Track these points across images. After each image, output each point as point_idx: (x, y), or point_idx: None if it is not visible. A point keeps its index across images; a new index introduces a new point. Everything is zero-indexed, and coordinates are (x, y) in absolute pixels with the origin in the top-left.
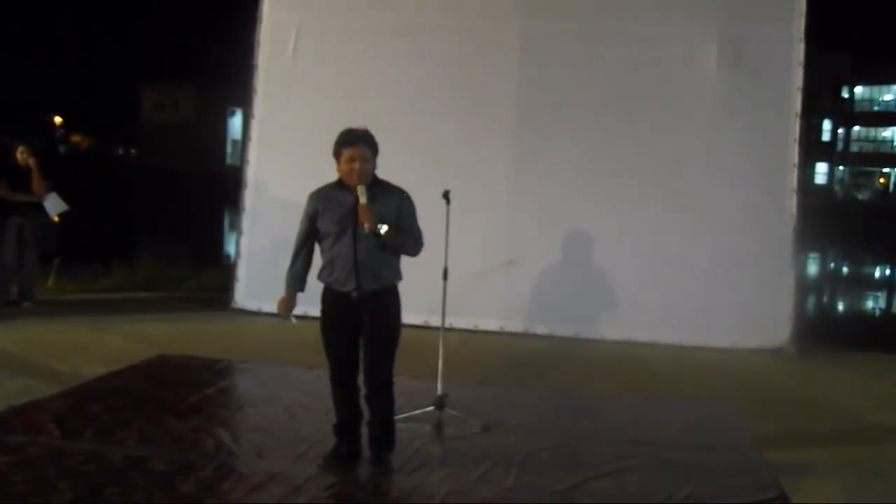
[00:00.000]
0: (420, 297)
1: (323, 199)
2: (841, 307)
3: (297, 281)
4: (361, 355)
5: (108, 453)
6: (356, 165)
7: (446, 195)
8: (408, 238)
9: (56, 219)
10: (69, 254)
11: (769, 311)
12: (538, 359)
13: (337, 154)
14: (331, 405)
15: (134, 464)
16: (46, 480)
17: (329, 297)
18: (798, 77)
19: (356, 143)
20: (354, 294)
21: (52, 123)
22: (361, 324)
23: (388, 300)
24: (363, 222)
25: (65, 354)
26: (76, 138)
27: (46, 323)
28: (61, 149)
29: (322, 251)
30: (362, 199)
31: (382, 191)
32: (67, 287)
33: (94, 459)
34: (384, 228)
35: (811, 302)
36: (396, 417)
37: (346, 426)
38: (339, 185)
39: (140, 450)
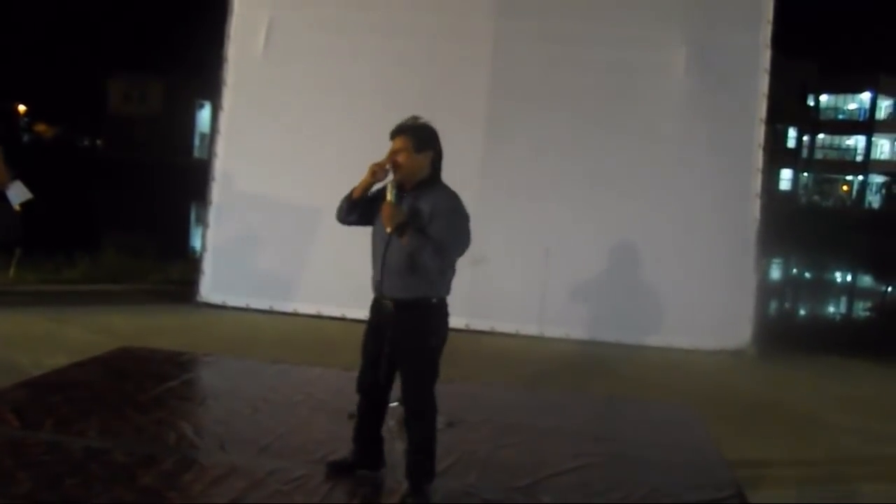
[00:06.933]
0: None
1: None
2: (802, 311)
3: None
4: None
5: (68, 444)
6: (395, 157)
7: None
8: (426, 245)
9: (18, 208)
10: (32, 244)
11: (731, 313)
12: (502, 356)
13: None
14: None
15: (94, 455)
16: (4, 471)
17: (372, 300)
18: (764, 83)
19: (395, 135)
20: (383, 300)
21: (16, 111)
22: (388, 338)
23: (417, 316)
24: (383, 222)
25: (26, 346)
26: (41, 127)
27: (7, 314)
28: (25, 137)
29: None
30: (388, 197)
31: (428, 191)
32: (29, 278)
33: (53, 450)
34: (406, 232)
35: (772, 305)
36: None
37: (359, 435)
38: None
39: (101, 441)
